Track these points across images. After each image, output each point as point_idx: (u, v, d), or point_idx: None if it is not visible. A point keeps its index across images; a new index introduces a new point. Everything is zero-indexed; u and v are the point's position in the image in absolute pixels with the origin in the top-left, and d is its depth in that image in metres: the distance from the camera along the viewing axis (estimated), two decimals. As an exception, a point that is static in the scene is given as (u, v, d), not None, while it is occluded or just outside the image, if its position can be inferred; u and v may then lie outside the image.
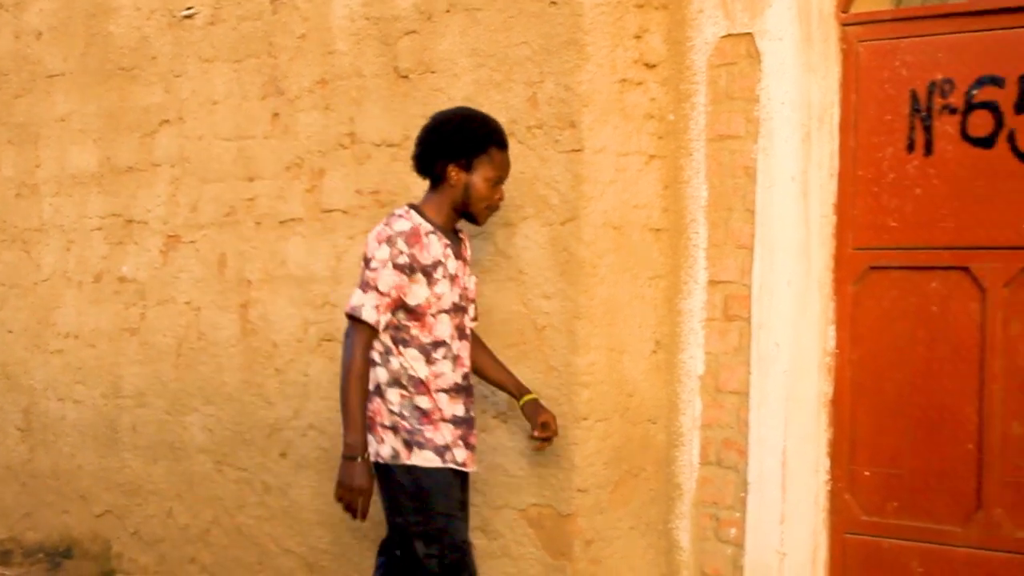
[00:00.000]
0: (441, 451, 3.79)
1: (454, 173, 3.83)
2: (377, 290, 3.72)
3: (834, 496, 4.31)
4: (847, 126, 4.28)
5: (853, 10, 4.29)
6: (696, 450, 4.48)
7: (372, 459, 3.79)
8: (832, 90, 4.28)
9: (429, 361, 3.80)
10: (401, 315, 3.78)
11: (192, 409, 5.40)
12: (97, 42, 5.75)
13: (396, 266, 3.72)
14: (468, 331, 3.95)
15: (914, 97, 4.17)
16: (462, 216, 3.91)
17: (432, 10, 4.55)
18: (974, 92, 4.07)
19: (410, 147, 4.57)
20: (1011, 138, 4.01)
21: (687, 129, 4.48)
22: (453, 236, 3.91)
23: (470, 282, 3.97)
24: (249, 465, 5.19)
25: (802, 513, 4.30)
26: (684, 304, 4.49)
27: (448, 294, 3.81)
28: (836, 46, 4.28)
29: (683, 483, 4.50)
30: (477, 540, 4.26)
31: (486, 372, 4.08)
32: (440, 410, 3.81)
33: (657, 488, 4.51)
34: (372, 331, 3.75)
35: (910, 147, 4.18)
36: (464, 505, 3.90)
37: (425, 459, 3.77)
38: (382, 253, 3.73)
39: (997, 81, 4.03)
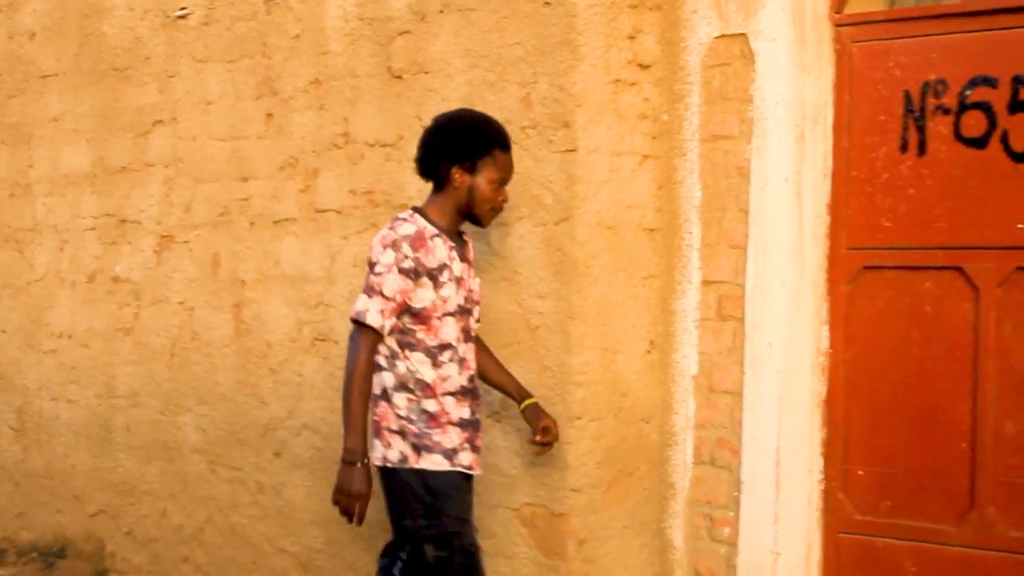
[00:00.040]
0: (450, 454, 3.77)
1: (458, 175, 3.81)
2: (382, 295, 3.70)
3: (828, 495, 4.32)
4: (841, 126, 4.28)
5: (847, 11, 4.30)
6: (690, 450, 4.48)
7: (379, 463, 3.77)
8: (826, 90, 4.29)
9: (435, 364, 3.78)
10: (406, 319, 3.76)
11: (186, 409, 5.40)
12: (90, 42, 5.74)
13: (401, 270, 3.70)
14: (473, 333, 3.94)
15: (907, 97, 4.18)
16: (466, 218, 3.89)
17: (426, 10, 4.55)
18: (967, 92, 4.08)
19: (404, 147, 4.60)
20: (1004, 138, 4.02)
21: (681, 129, 4.48)
22: (457, 239, 3.90)
23: (475, 284, 3.95)
24: (243, 465, 5.19)
25: (796, 512, 4.30)
26: (678, 304, 4.50)
27: (454, 297, 3.79)
28: (830, 47, 4.29)
29: (677, 483, 4.51)
30: (471, 540, 4.27)
31: (488, 374, 4.06)
32: (447, 413, 3.79)
33: (651, 488, 4.51)
34: (377, 336, 3.73)
35: (903, 147, 4.19)
36: (471, 508, 3.90)
37: (434, 463, 3.75)
38: (387, 258, 3.71)
39: (990, 81, 4.04)
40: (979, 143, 4.06)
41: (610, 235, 4.31)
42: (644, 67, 4.44)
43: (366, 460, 3.71)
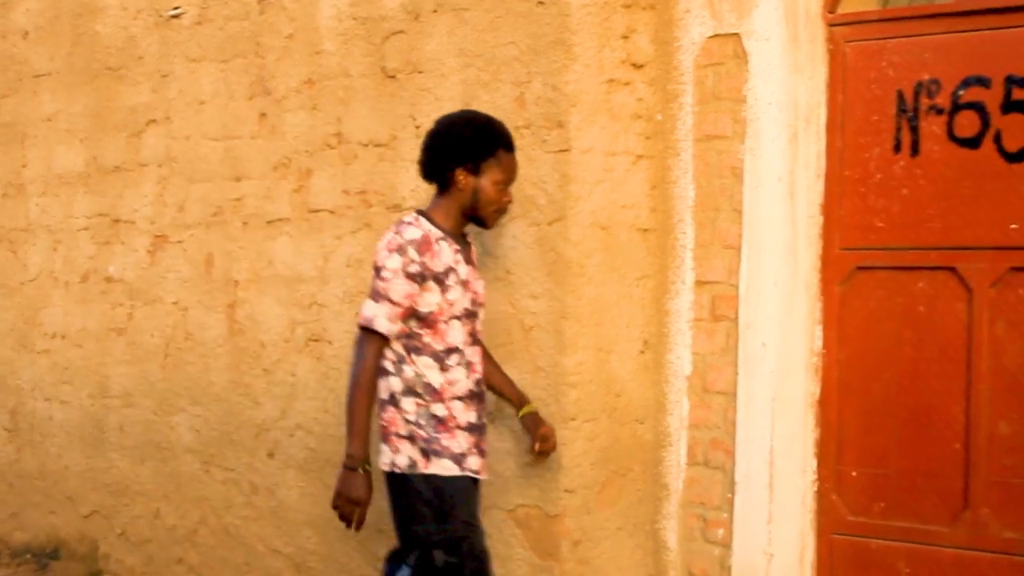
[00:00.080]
0: (458, 459, 3.74)
1: (462, 177, 3.78)
2: (390, 300, 3.67)
3: (821, 496, 4.31)
4: (834, 126, 4.28)
5: (840, 11, 4.29)
6: (683, 450, 4.48)
7: (387, 469, 3.74)
8: (819, 90, 4.29)
9: (443, 368, 3.75)
10: (413, 323, 3.73)
11: (179, 409, 5.39)
12: (84, 42, 5.73)
13: (408, 275, 3.67)
14: (480, 337, 3.92)
15: (901, 97, 4.17)
16: (470, 220, 3.87)
17: (419, 10, 4.54)
18: (960, 92, 4.08)
19: (397, 147, 4.60)
20: (997, 138, 4.02)
21: (674, 129, 4.48)
22: (462, 241, 3.87)
23: (480, 287, 3.92)
24: (236, 465, 5.18)
25: (789, 513, 4.30)
26: (671, 304, 4.49)
27: (460, 300, 3.76)
28: (823, 46, 4.28)
29: (670, 483, 4.50)
30: (464, 541, 4.26)
31: (489, 379, 4.01)
32: (455, 418, 3.76)
33: (644, 488, 4.51)
34: (383, 341, 3.71)
35: (897, 147, 4.19)
36: (479, 513, 3.87)
37: (443, 467, 3.72)
38: (393, 262, 3.68)
39: (983, 81, 4.04)
40: (972, 143, 4.06)
41: (604, 235, 4.31)
42: (638, 67, 4.43)
43: (367, 466, 3.68)
